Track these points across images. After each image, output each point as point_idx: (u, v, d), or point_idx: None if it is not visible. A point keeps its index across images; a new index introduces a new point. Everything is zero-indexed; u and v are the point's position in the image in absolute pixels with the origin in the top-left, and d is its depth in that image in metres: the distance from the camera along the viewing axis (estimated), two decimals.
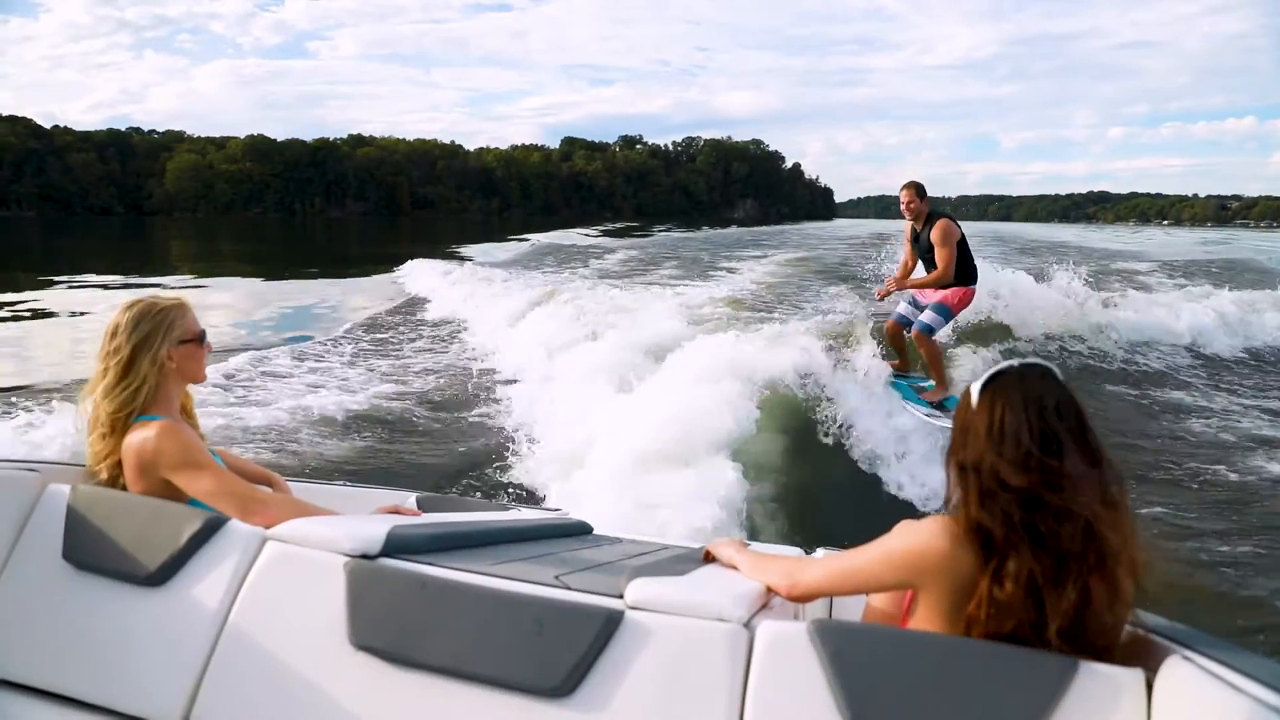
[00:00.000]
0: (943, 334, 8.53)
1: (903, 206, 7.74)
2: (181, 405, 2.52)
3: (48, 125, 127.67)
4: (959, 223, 7.62)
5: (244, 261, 35.09)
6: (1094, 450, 1.66)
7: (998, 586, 1.64)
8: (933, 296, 7.71)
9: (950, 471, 1.77)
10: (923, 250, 7.73)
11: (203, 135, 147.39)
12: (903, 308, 8.17)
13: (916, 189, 7.69)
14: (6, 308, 18.68)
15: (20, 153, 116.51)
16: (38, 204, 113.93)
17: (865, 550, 1.88)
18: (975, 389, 1.78)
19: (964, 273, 7.62)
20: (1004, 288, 11.50)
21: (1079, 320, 12.40)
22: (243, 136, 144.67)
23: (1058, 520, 1.61)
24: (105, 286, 22.64)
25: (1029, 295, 11.96)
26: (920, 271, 8.01)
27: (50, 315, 17.31)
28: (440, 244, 44.93)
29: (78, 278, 24.59)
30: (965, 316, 9.29)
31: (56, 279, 24.09)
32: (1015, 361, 1.82)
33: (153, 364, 2.35)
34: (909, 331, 8.04)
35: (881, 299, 8.62)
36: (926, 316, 7.69)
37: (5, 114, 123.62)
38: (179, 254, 43.77)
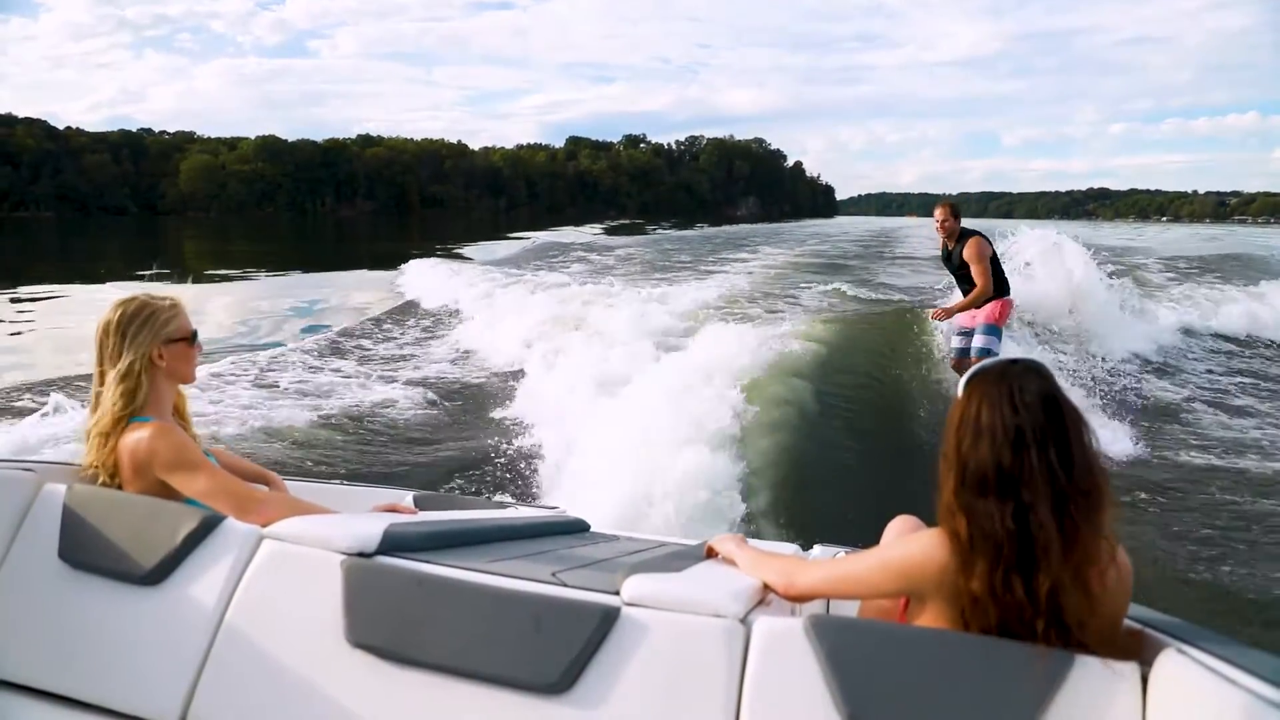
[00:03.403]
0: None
1: (937, 225, 7.95)
2: (175, 406, 2.50)
3: (53, 126, 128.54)
4: (989, 240, 7.91)
5: (254, 260, 35.14)
6: (1073, 447, 1.65)
7: (971, 579, 1.64)
8: (977, 318, 7.90)
9: (939, 464, 1.77)
10: (954, 268, 7.99)
11: (205, 135, 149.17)
12: (956, 341, 8.28)
13: (951, 209, 7.95)
14: (22, 303, 18.78)
15: (37, 154, 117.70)
16: (55, 205, 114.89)
17: (863, 557, 1.89)
18: (961, 384, 1.79)
19: (998, 286, 7.85)
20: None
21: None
22: (244, 135, 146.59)
23: (1023, 514, 1.61)
24: (113, 283, 22.69)
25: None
26: (956, 294, 8.27)
27: (56, 314, 17.31)
28: (446, 242, 45.07)
29: (92, 276, 24.60)
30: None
31: (71, 278, 24.14)
32: (1003, 357, 1.82)
33: (143, 363, 2.34)
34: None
35: (938, 319, 8.63)
36: (980, 341, 7.84)
37: (21, 116, 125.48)
38: (191, 253, 43.91)
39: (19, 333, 15.05)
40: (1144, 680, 1.52)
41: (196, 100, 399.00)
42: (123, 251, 45.64)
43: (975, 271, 7.68)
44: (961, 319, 8.12)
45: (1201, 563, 5.41)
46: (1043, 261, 11.46)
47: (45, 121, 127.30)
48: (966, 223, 7.92)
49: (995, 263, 7.92)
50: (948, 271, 8.35)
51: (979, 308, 7.83)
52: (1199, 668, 1.47)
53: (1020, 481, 1.63)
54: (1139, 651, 1.66)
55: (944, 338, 8.98)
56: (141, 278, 23.59)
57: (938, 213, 7.95)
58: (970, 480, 1.67)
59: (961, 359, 8.17)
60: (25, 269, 30.76)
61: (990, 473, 1.65)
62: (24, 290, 21.16)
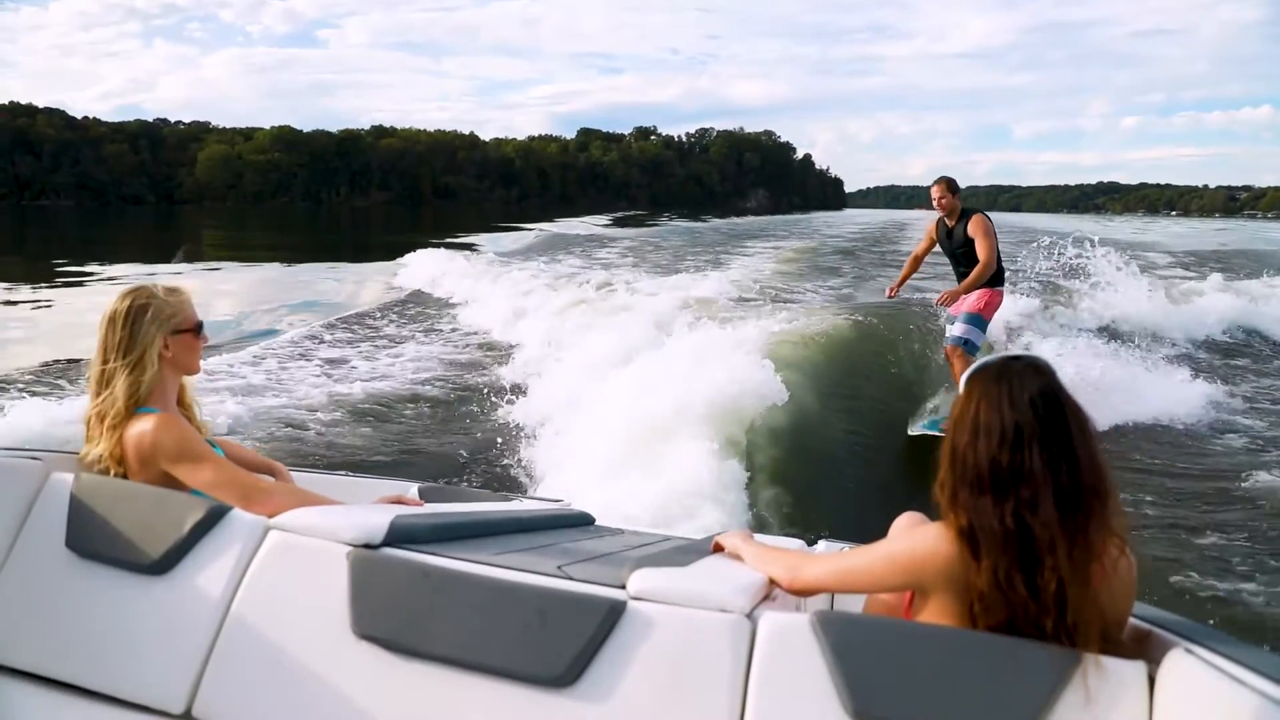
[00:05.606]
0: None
1: (935, 202, 7.52)
2: (179, 396, 2.50)
3: (72, 116, 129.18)
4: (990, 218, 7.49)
5: (269, 250, 35.35)
6: (1073, 444, 1.64)
7: (979, 577, 1.64)
8: (961, 306, 7.51)
9: (941, 462, 1.77)
10: (955, 246, 7.53)
11: (219, 125, 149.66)
12: (948, 328, 7.82)
13: (949, 184, 7.49)
14: (38, 286, 18.99)
15: (57, 144, 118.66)
16: (75, 193, 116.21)
17: (868, 551, 1.88)
18: (962, 380, 1.78)
19: (993, 274, 7.43)
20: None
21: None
22: (253, 125, 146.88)
23: (1027, 512, 1.61)
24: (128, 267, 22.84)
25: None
26: (953, 274, 7.80)
27: (68, 301, 17.35)
28: (457, 232, 45.39)
29: (109, 265, 24.70)
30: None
31: (88, 266, 24.25)
32: (1003, 354, 1.81)
33: (150, 354, 2.33)
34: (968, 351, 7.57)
35: (943, 304, 7.79)
36: (959, 329, 7.46)
37: (41, 106, 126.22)
38: (208, 242, 43.98)
39: (31, 321, 15.08)
40: (1151, 680, 1.52)
41: (206, 90, 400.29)
42: (144, 240, 45.89)
43: (980, 246, 7.21)
44: (951, 308, 7.68)
45: (1209, 561, 5.39)
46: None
47: (64, 111, 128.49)
48: None
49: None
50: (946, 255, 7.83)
51: (980, 288, 7.39)
52: (1207, 668, 1.47)
53: (1021, 480, 1.62)
54: (1146, 651, 1.66)
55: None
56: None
57: (934, 190, 7.48)
58: (969, 478, 1.67)
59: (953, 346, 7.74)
60: (45, 256, 30.88)
61: (988, 471, 1.64)
62: (40, 277, 21.26)
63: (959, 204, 7.50)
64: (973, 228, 7.31)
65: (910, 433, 7.81)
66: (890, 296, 8.51)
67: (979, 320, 7.48)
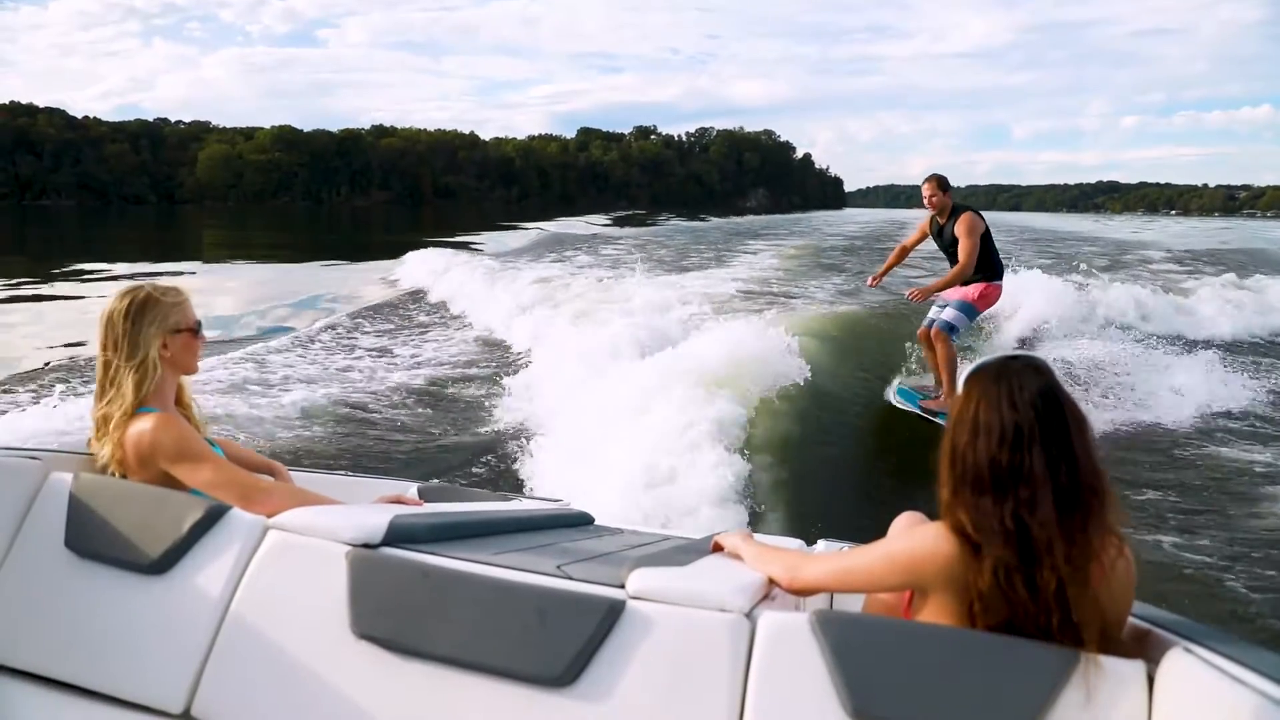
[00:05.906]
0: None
1: (925, 200, 7.48)
2: (178, 396, 2.49)
3: (73, 116, 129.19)
4: (983, 215, 7.44)
5: (269, 249, 35.38)
6: (1072, 444, 1.64)
7: (979, 577, 1.64)
8: (955, 294, 7.45)
9: (940, 462, 1.77)
10: (946, 244, 7.49)
11: (219, 124, 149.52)
12: (933, 311, 7.77)
13: (939, 181, 7.44)
14: (40, 285, 19.00)
15: (58, 144, 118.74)
16: (76, 193, 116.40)
17: (868, 550, 1.88)
18: (960, 380, 1.79)
19: (989, 268, 7.41)
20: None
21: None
22: (253, 125, 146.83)
23: (1027, 511, 1.61)
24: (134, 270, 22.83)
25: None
26: (944, 268, 7.70)
27: (69, 301, 17.34)
28: (458, 232, 45.47)
29: (110, 264, 24.71)
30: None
31: (90, 265, 24.27)
32: (1002, 353, 1.81)
33: (150, 353, 2.33)
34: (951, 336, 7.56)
35: (915, 299, 7.78)
36: (948, 314, 7.42)
37: (42, 105, 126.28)
38: (208, 242, 44.05)
39: (31, 321, 15.06)
40: (1150, 679, 1.52)
41: (206, 89, 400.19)
42: (145, 239, 45.93)
43: (962, 246, 7.18)
44: (945, 293, 7.58)
45: (1209, 561, 5.39)
46: None
47: (64, 111, 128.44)
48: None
49: (988, 242, 7.39)
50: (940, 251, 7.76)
51: (961, 285, 7.36)
52: (1206, 667, 1.47)
53: (1020, 479, 1.62)
54: (1146, 650, 1.66)
55: None
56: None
57: (925, 187, 7.45)
58: (969, 478, 1.67)
59: (927, 329, 7.69)
60: (46, 256, 30.85)
61: (988, 471, 1.65)
62: (42, 276, 21.23)
63: (950, 201, 7.47)
64: (959, 227, 7.28)
65: (886, 397, 7.91)
66: (872, 285, 8.48)
67: (970, 309, 7.49)
